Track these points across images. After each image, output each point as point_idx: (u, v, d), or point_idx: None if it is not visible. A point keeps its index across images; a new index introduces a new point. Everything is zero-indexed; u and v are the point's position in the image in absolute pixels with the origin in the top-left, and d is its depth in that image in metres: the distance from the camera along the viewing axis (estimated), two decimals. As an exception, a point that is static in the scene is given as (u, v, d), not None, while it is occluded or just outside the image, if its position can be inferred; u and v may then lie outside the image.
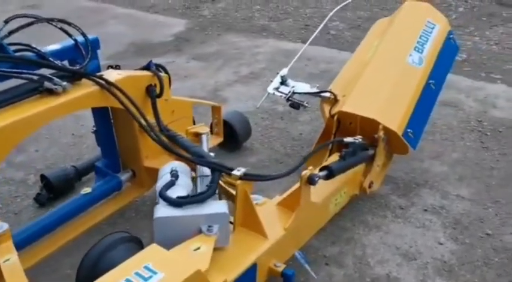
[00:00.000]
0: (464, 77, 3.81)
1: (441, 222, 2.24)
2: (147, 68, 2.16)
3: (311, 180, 1.73)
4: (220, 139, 2.71)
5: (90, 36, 2.01)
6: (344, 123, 2.31)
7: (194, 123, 2.39)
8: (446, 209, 2.33)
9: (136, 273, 1.23)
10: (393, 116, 2.20)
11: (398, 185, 2.52)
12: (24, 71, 1.74)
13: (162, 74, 2.17)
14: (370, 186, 2.24)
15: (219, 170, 1.67)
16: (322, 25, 2.86)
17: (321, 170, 1.87)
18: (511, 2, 5.80)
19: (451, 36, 2.53)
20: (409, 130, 2.23)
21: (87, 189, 2.15)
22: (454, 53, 2.61)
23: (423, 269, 1.98)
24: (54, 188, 2.42)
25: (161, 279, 1.22)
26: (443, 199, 2.40)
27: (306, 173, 1.73)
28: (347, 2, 3.08)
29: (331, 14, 2.88)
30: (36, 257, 1.88)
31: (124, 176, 2.27)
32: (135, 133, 2.11)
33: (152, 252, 1.33)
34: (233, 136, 2.78)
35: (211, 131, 2.69)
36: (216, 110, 2.64)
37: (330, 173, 1.85)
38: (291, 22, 5.38)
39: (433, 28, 2.44)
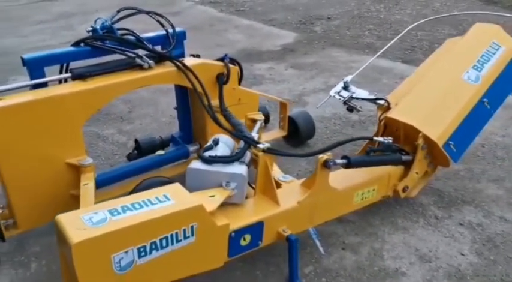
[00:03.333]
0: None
1: (472, 237, 2.25)
2: (222, 59, 2.60)
3: (326, 164, 1.96)
4: (284, 133, 3.04)
5: (178, 29, 2.52)
6: (391, 129, 2.45)
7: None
8: (483, 227, 2.31)
9: (156, 197, 1.63)
10: (436, 127, 2.29)
11: (443, 198, 2.55)
12: (124, 49, 2.30)
13: (232, 66, 2.57)
14: (404, 191, 2.35)
15: (248, 142, 2.00)
16: (396, 39, 3.00)
17: (342, 158, 2.08)
18: None
19: (517, 59, 2.50)
20: (451, 142, 2.29)
21: (161, 152, 2.66)
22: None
23: (434, 271, 2.04)
24: (142, 151, 2.99)
25: (170, 204, 1.60)
26: (485, 218, 2.38)
27: (322, 156, 1.97)
28: (435, 17, 3.16)
29: (410, 26, 3.01)
30: (109, 195, 2.40)
31: (192, 148, 2.72)
32: (204, 112, 2.55)
33: (174, 188, 1.72)
34: (297, 133, 3.08)
35: (278, 125, 3.04)
36: (283, 106, 2.98)
37: (348, 162, 2.05)
38: (398, 42, 5.44)
39: (497, 49, 2.45)
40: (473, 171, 2.79)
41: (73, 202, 2.19)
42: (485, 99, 2.37)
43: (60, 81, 2.27)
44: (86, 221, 1.49)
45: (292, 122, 3.04)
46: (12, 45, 5.67)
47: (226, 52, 2.70)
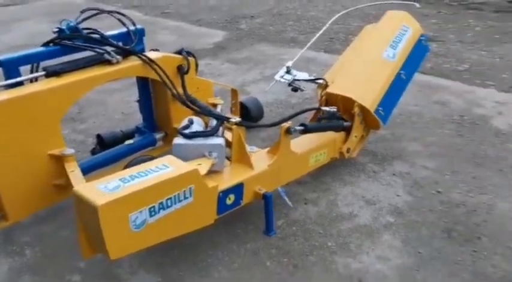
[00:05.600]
0: (461, 83, 4.30)
1: (403, 182, 2.78)
2: (179, 52, 2.88)
3: (288, 131, 2.35)
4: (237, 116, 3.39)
5: (138, 26, 2.77)
6: (331, 103, 2.91)
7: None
8: (410, 174, 2.86)
9: (156, 166, 1.90)
10: (367, 97, 2.79)
11: (377, 157, 3.08)
12: (92, 46, 2.51)
13: (190, 58, 2.87)
14: (347, 152, 2.82)
15: (220, 118, 2.34)
16: (320, 33, 3.47)
17: (300, 125, 2.49)
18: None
19: (423, 38, 3.09)
20: (380, 108, 2.80)
21: (130, 141, 2.88)
22: (424, 52, 3.14)
23: (379, 211, 2.53)
24: (105, 145, 3.16)
25: (170, 170, 1.88)
26: (410, 167, 2.94)
27: (285, 125, 2.36)
28: (346, 11, 3.70)
29: (330, 21, 3.50)
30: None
31: (158, 135, 2.98)
32: (168, 101, 2.82)
33: (169, 159, 2.00)
34: (248, 116, 3.45)
35: (230, 111, 3.38)
36: (233, 92, 3.32)
37: (305, 128, 2.47)
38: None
39: (406, 30, 3.02)
40: (396, 135, 3.37)
41: (56, 191, 2.38)
42: (402, 72, 2.92)
43: (32, 79, 2.42)
44: (103, 189, 1.73)
45: (243, 107, 3.40)
46: None
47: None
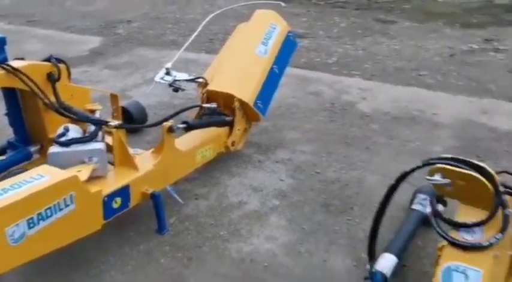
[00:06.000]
0: (330, 74, 4.72)
1: (286, 168, 2.99)
2: (48, 60, 2.74)
3: (170, 129, 2.39)
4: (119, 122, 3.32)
5: (-1, 36, 2.58)
6: (212, 100, 3.01)
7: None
8: (292, 160, 3.09)
9: (31, 177, 1.81)
10: (245, 91, 2.94)
11: (261, 147, 3.26)
12: None
13: (61, 65, 2.75)
14: (232, 145, 2.95)
15: (98, 123, 2.29)
16: (195, 34, 3.56)
17: (182, 123, 2.54)
18: (385, 19, 6.98)
19: (291, 34, 3.35)
20: (258, 102, 2.97)
21: (2, 157, 2.66)
22: (293, 47, 3.41)
23: (265, 196, 2.69)
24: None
25: (47, 179, 1.80)
26: (292, 154, 3.17)
27: (166, 124, 2.39)
28: (219, 11, 3.84)
29: (204, 22, 3.61)
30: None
31: (33, 148, 2.79)
32: (40, 111, 2.67)
33: (44, 168, 1.91)
34: (131, 120, 3.39)
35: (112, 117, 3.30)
36: (113, 97, 3.23)
37: (188, 125, 2.53)
38: (198, 36, 6.12)
39: (275, 28, 3.25)
40: (277, 125, 3.59)
41: None
42: (274, 66, 3.13)
43: None
44: (-26, 204, 1.61)
45: (125, 111, 3.34)
46: None
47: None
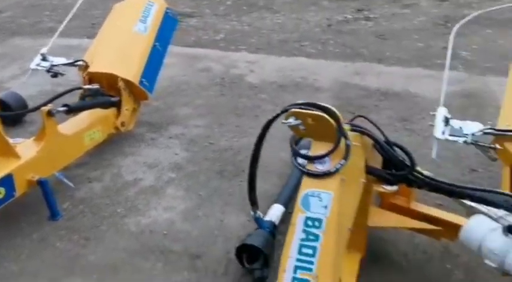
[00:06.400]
0: (218, 50, 4.83)
1: (179, 142, 3.07)
2: None
3: (50, 113, 2.33)
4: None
5: None
6: (96, 82, 2.95)
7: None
8: (185, 134, 3.17)
9: None
10: (128, 70, 2.92)
11: (154, 126, 3.28)
12: None
13: None
14: (123, 125, 2.94)
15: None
16: (70, 15, 3.43)
17: (62, 106, 2.48)
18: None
19: (169, 11, 3.37)
20: (143, 80, 2.98)
21: None
22: (174, 24, 3.44)
23: (161, 170, 2.75)
24: None
25: None
26: (185, 129, 3.24)
27: (45, 108, 2.33)
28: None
29: (79, 2, 3.49)
30: None
31: None
32: None
33: None
34: (11, 111, 3.19)
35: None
36: (-16, 90, 3.04)
37: (69, 108, 2.48)
38: (78, 23, 5.84)
39: (152, 5, 3.25)
40: (168, 103, 3.63)
41: None
42: (156, 44, 3.14)
43: None
44: None
45: (2, 103, 3.13)
46: None
47: None
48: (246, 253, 1.98)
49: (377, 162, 1.62)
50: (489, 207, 1.55)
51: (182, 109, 3.54)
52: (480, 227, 1.51)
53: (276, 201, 2.28)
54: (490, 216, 1.54)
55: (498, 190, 1.55)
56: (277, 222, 2.13)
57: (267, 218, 2.13)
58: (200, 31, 5.49)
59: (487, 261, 1.45)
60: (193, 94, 3.81)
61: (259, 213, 1.78)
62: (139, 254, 2.11)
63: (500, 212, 1.53)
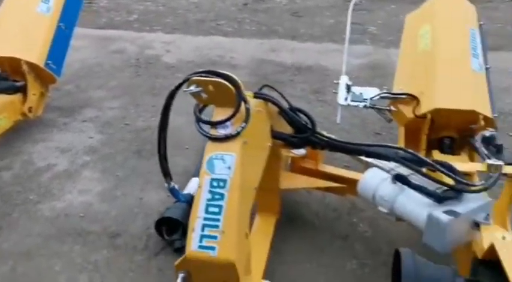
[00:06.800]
0: (133, 31, 4.72)
1: (94, 125, 2.99)
2: None
3: None
4: None
5: None
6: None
7: None
8: (99, 117, 3.09)
9: None
10: (31, 52, 2.77)
11: (65, 110, 3.17)
12: None
13: None
14: (30, 111, 2.80)
15: None
16: None
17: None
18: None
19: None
20: (49, 62, 2.85)
21: None
22: (78, 3, 3.29)
23: (75, 155, 2.68)
24: None
25: None
26: (99, 111, 3.16)
27: None
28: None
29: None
30: None
31: None
32: None
33: None
34: None
35: None
36: None
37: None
38: None
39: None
40: (81, 87, 3.51)
41: None
42: (61, 24, 3.00)
43: None
44: None
45: None
46: None
47: None
48: (166, 226, 2.02)
49: (286, 130, 1.72)
50: (382, 161, 1.72)
51: (96, 92, 3.44)
52: (373, 179, 1.67)
53: (194, 175, 2.32)
54: (382, 169, 1.71)
55: (389, 144, 1.71)
56: (195, 194, 2.18)
57: (186, 191, 2.17)
58: (112, 12, 5.31)
59: (380, 208, 1.62)
60: (107, 76, 3.70)
61: (173, 184, 1.81)
62: (55, 238, 2.06)
63: (392, 164, 1.70)
